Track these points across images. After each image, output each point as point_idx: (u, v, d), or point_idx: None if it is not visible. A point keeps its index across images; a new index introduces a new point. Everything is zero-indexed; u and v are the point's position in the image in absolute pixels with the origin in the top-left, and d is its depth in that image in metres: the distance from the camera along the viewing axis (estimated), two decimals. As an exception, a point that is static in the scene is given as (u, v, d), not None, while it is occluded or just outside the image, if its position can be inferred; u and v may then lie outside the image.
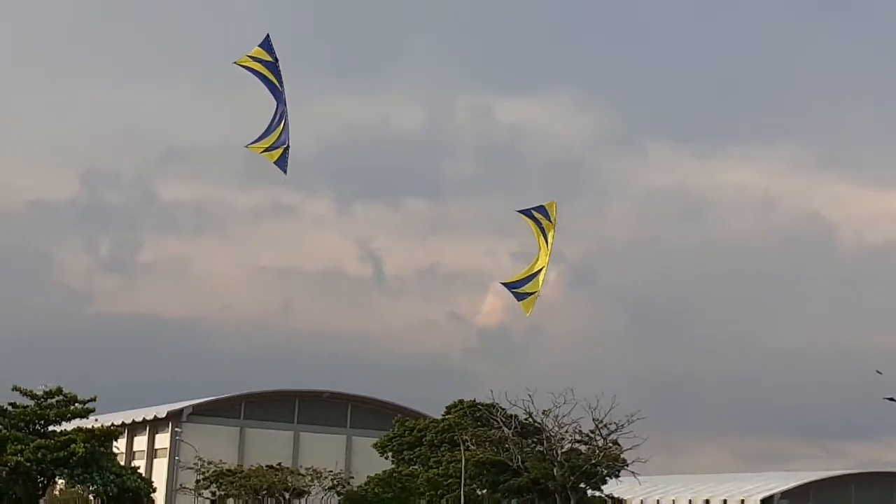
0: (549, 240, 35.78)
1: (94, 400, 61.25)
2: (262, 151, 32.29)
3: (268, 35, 32.40)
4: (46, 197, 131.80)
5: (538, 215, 35.85)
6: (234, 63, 31.90)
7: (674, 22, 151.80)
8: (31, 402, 59.04)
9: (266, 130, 32.53)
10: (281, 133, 32.27)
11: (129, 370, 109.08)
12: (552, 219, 35.89)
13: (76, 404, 59.63)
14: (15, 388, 59.98)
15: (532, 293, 35.85)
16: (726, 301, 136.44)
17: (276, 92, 32.38)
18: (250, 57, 32.23)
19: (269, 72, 32.36)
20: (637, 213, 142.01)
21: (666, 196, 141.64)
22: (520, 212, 36.00)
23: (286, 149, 32.40)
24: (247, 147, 32.13)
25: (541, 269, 35.74)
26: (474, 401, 76.44)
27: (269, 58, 32.35)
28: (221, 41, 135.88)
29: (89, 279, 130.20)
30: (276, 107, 32.34)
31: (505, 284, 36.11)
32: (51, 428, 58.16)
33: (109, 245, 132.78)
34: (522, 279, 35.97)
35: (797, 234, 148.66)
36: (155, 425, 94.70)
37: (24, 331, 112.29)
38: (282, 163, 32.47)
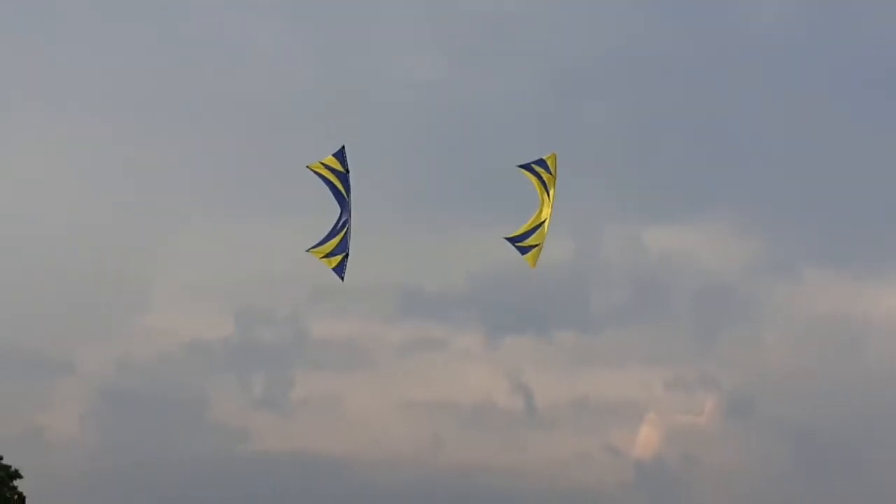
0: (551, 193, 35.02)
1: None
2: (322, 257, 32.08)
3: (343, 146, 32.40)
4: (203, 337, 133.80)
5: (539, 169, 35.15)
6: (307, 167, 31.89)
7: (828, 143, 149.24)
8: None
9: (327, 236, 32.31)
10: (342, 240, 32.04)
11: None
12: (553, 171, 35.11)
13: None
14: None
15: (536, 245, 35.05)
16: (892, 430, 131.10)
17: (342, 200, 32.20)
18: (323, 164, 32.23)
19: (339, 180, 32.28)
20: (795, 340, 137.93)
21: (824, 322, 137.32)
22: (520, 167, 35.25)
23: (345, 256, 32.12)
24: (307, 251, 31.89)
25: (544, 222, 34.97)
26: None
27: (341, 168, 32.35)
28: (368, 183, 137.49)
29: (244, 417, 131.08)
30: (339, 213, 32.07)
31: (509, 239, 35.21)
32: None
33: (263, 383, 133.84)
34: (526, 232, 35.22)
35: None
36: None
37: (182, 469, 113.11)
38: (340, 270, 32.18)
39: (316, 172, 32.36)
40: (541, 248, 35.44)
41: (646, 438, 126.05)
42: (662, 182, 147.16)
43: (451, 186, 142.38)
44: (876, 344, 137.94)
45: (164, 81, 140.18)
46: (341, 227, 32.45)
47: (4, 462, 75.45)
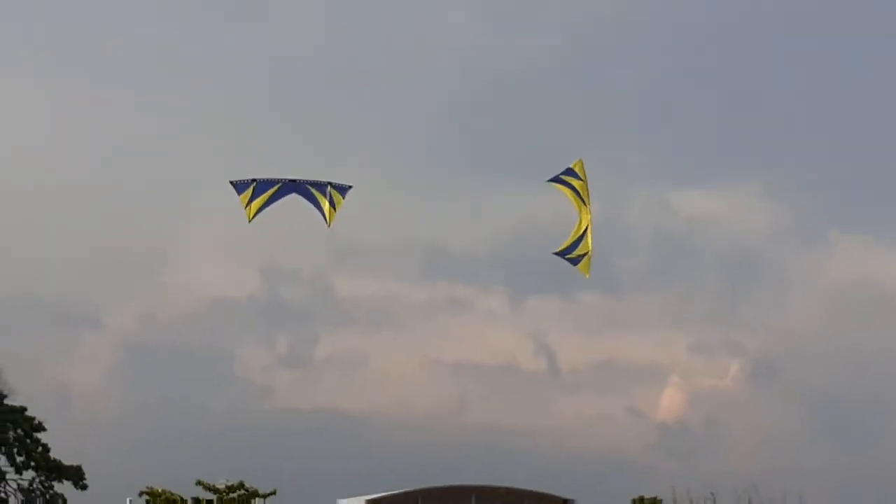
0: (586, 199, 35.44)
1: (274, 493, 61.74)
2: (335, 214, 32.43)
3: (230, 182, 32.60)
4: (228, 294, 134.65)
5: (568, 178, 35.50)
6: (249, 221, 32.32)
7: (858, 108, 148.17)
8: (214, 497, 59.76)
9: (318, 209, 32.54)
10: (324, 193, 32.31)
11: (308, 464, 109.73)
12: (583, 177, 35.49)
13: (257, 498, 60.16)
14: (199, 483, 60.92)
15: (585, 254, 35.66)
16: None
17: (291, 188, 32.50)
18: (250, 209, 32.62)
19: (266, 193, 32.55)
20: (820, 305, 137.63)
21: (850, 288, 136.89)
22: (550, 181, 35.61)
23: (334, 186, 32.42)
24: (329, 226, 32.23)
25: (586, 229, 35.48)
26: (655, 498, 74.99)
27: (250, 191, 32.55)
28: (396, 145, 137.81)
29: (269, 374, 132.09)
30: (307, 196, 32.38)
31: (557, 253, 35.77)
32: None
33: (288, 341, 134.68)
34: (572, 244, 35.79)
35: None
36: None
37: (206, 426, 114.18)
38: (342, 190, 32.46)
39: (257, 214, 32.70)
40: (590, 256, 35.94)
41: (669, 401, 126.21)
42: (690, 146, 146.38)
43: (478, 148, 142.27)
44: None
45: (190, 40, 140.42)
46: (309, 195, 32.69)
47: (29, 414, 76.34)
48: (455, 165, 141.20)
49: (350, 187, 32.72)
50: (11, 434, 75.60)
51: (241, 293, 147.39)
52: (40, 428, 75.94)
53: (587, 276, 36.45)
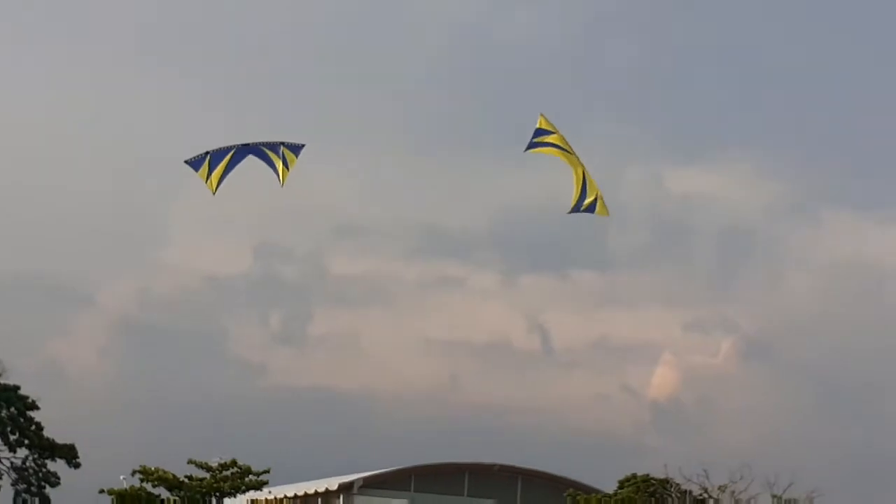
0: (567, 147, 35.26)
1: (267, 472, 61.89)
2: (288, 173, 32.78)
3: (185, 161, 32.91)
4: (222, 271, 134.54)
5: (542, 139, 35.28)
6: (214, 194, 32.65)
7: (853, 84, 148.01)
8: (207, 475, 59.87)
9: (273, 169, 32.87)
10: (278, 153, 32.65)
11: (301, 442, 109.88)
12: (553, 129, 35.26)
13: (250, 476, 60.32)
14: (191, 462, 61.05)
15: (595, 198, 35.55)
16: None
17: (239, 156, 32.86)
18: (210, 182, 32.89)
19: (222, 162, 32.93)
20: (815, 283, 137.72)
21: (845, 266, 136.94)
22: (528, 149, 35.34)
23: (286, 145, 32.71)
24: (282, 185, 32.56)
25: (584, 174, 35.40)
26: (648, 475, 75.16)
27: (206, 164, 32.86)
28: (390, 123, 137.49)
29: (263, 352, 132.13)
30: (261, 158, 32.81)
31: (572, 210, 35.65)
32: (226, 500, 58.86)
33: (282, 318, 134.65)
34: (579, 196, 35.61)
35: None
36: (327, 497, 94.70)
37: (200, 403, 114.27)
38: (294, 149, 32.77)
39: (219, 184, 32.94)
40: (600, 196, 35.69)
41: (662, 379, 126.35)
42: (684, 123, 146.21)
43: (473, 125, 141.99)
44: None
45: (185, 20, 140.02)
46: (263, 157, 32.92)
47: (22, 392, 76.19)
48: (448, 142, 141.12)
49: (303, 146, 33.01)
50: (4, 413, 75.46)
51: (236, 270, 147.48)
52: (34, 406, 75.80)
53: (607, 215, 36.10)
